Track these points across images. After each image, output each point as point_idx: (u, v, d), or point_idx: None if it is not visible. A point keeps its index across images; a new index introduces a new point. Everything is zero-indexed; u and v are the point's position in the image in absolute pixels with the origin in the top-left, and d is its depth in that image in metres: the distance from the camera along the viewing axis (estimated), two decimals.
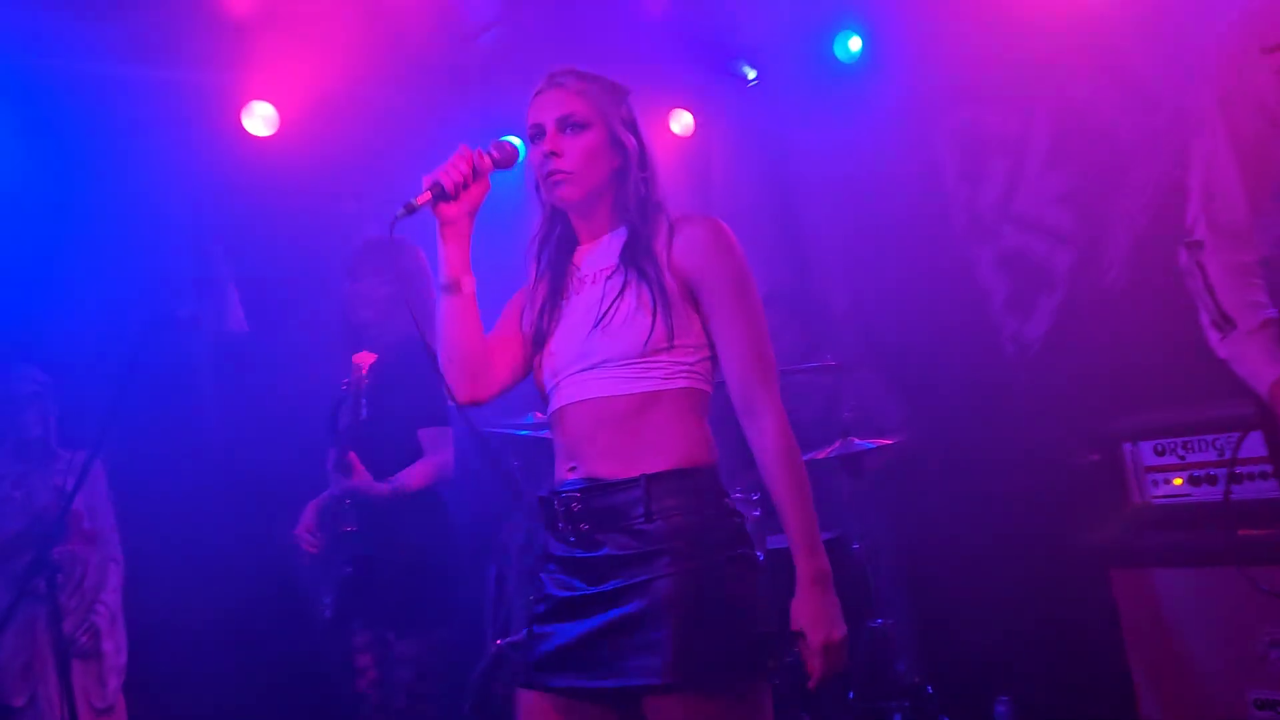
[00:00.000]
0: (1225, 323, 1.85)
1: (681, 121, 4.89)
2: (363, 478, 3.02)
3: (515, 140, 1.91)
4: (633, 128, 1.88)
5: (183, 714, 3.77)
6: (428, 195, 1.77)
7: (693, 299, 1.81)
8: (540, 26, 4.30)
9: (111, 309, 3.59)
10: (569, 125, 1.83)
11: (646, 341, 1.74)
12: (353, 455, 3.01)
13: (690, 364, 1.79)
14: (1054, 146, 3.91)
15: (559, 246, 1.96)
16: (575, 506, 1.76)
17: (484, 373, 1.91)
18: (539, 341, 1.90)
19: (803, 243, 4.75)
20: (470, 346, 1.88)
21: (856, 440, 3.38)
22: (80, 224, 3.65)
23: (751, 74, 4.66)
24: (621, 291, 1.79)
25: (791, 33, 4.42)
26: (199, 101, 3.91)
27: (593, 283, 1.86)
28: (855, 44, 4.32)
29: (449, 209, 1.80)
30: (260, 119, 4.00)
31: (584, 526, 1.75)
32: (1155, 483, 2.84)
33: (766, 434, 1.76)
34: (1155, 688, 2.76)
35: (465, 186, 1.80)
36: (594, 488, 1.75)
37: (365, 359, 2.98)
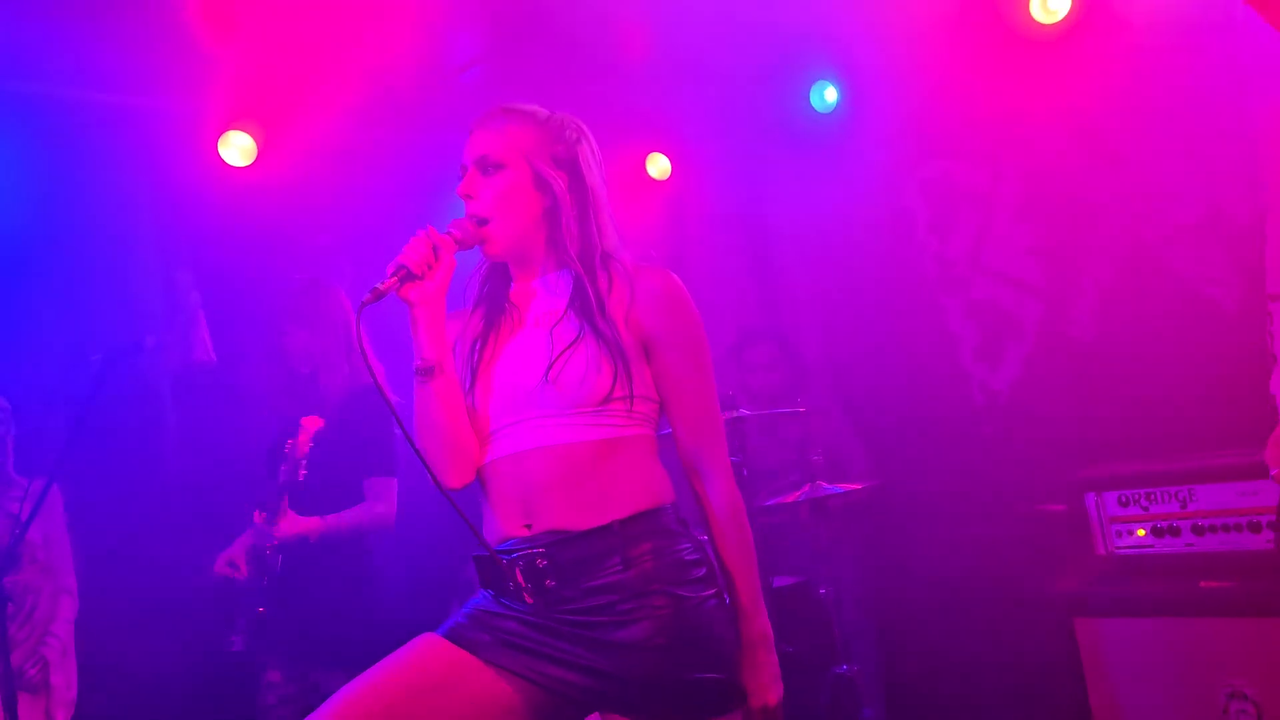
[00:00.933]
0: None
1: (659, 165, 4.94)
2: (291, 520, 2.98)
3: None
4: (570, 165, 1.80)
5: None
6: (393, 280, 1.71)
7: (645, 352, 1.77)
8: (521, 66, 4.35)
9: (75, 334, 3.55)
10: (486, 166, 1.79)
11: (607, 398, 1.70)
12: (284, 503, 2.97)
13: (644, 413, 1.77)
14: (1022, 201, 3.99)
15: (496, 277, 1.90)
16: (540, 563, 1.68)
17: (473, 449, 1.80)
18: (469, 378, 1.83)
19: (776, 287, 4.79)
20: (457, 430, 1.77)
21: (824, 484, 3.38)
22: (45, 247, 3.61)
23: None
24: (573, 344, 1.72)
25: (768, 81, 4.50)
26: (175, 130, 3.90)
27: (534, 325, 1.79)
28: (831, 94, 4.40)
29: (416, 291, 1.73)
30: (237, 149, 3.99)
31: (549, 584, 1.68)
32: (1119, 533, 2.86)
33: (714, 494, 1.76)
34: None
35: (430, 266, 1.74)
36: (561, 541, 1.68)
37: (312, 424, 2.96)
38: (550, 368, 1.71)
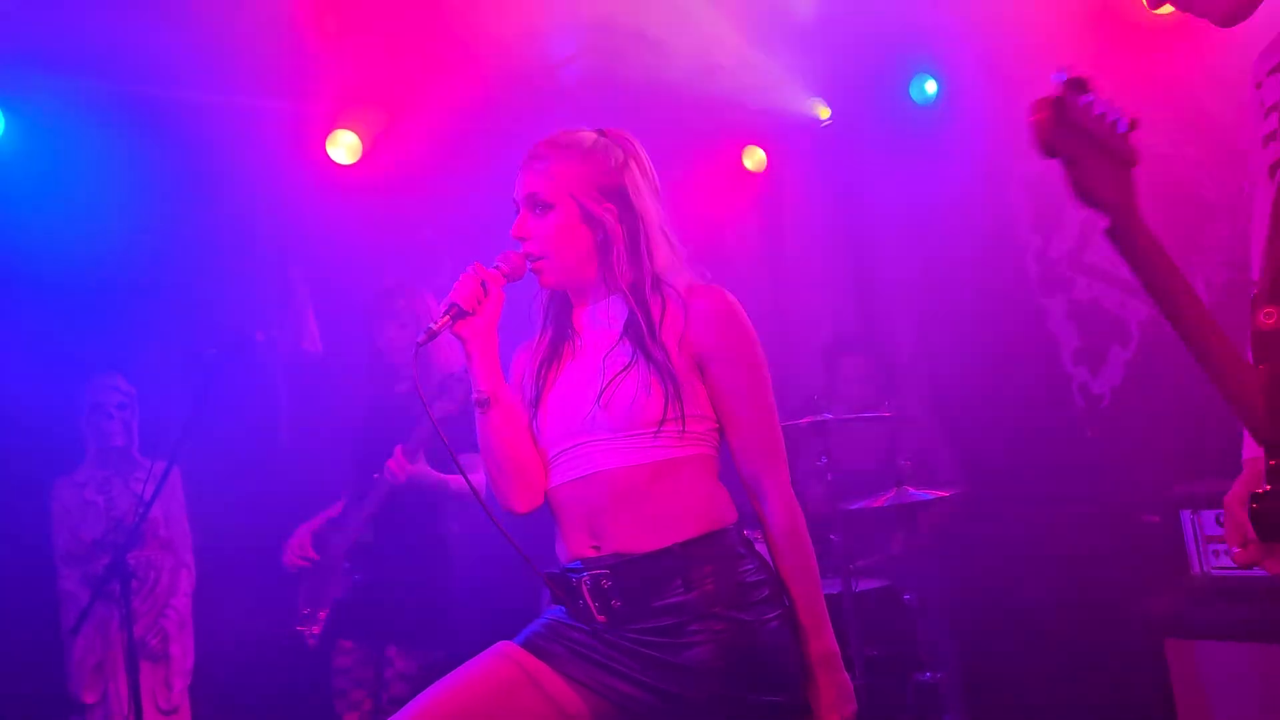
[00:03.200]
0: None
1: (755, 157, 4.92)
2: (424, 467, 3.16)
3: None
4: (618, 194, 1.80)
5: (244, 719, 3.90)
6: (445, 319, 1.76)
7: (700, 373, 1.78)
8: (618, 61, 4.38)
9: (195, 325, 3.76)
10: (535, 205, 1.81)
11: (658, 420, 1.72)
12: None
13: (700, 433, 1.77)
14: None
15: (559, 304, 1.93)
16: (605, 583, 1.72)
17: (538, 475, 1.84)
18: (533, 404, 1.87)
19: (870, 283, 4.73)
20: (520, 456, 1.83)
21: (911, 490, 3.35)
22: (170, 243, 3.83)
23: (825, 114, 4.66)
24: (625, 369, 1.75)
25: (867, 74, 4.42)
26: (285, 129, 4.07)
27: (591, 352, 1.82)
28: (931, 87, 4.30)
29: (467, 327, 1.78)
30: (344, 147, 4.14)
31: (615, 604, 1.72)
32: (1216, 553, 2.76)
33: (772, 514, 1.76)
34: None
35: (480, 302, 1.78)
36: (625, 563, 1.72)
37: (399, 469, 3.13)
38: (602, 394, 1.74)
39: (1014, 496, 3.76)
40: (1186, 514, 2.80)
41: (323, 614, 3.25)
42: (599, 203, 1.80)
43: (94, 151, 3.72)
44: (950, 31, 4.08)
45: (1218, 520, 2.78)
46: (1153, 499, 2.97)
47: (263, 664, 3.88)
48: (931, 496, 3.33)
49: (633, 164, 1.84)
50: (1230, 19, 1.59)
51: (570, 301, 1.91)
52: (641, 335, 1.77)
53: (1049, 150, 1.17)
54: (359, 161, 4.19)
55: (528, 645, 1.78)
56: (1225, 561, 2.74)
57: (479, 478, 3.21)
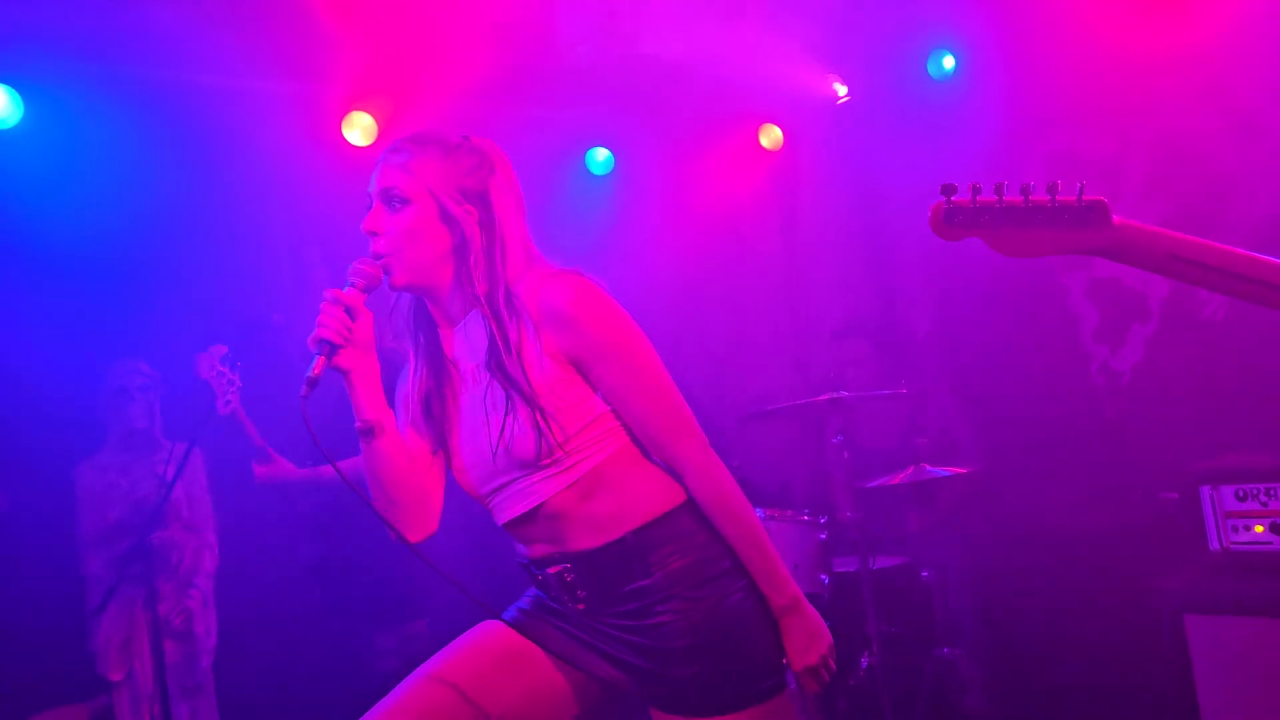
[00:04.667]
0: None
1: (771, 135, 4.90)
2: (280, 465, 3.27)
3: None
4: (479, 198, 1.72)
5: (267, 695, 3.94)
6: (321, 360, 1.66)
7: (578, 370, 1.70)
8: (632, 40, 4.37)
9: (214, 309, 3.78)
10: (391, 200, 1.71)
11: (558, 447, 1.66)
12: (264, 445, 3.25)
13: (606, 429, 1.72)
14: (1151, 175, 3.80)
15: (421, 326, 1.82)
16: (569, 577, 1.73)
17: (429, 502, 1.80)
18: (440, 445, 1.80)
19: (888, 261, 4.70)
20: (409, 484, 1.77)
21: (929, 467, 3.35)
22: (189, 226, 3.85)
23: (842, 90, 4.63)
24: (505, 414, 1.67)
25: (884, 50, 4.39)
26: (300, 112, 4.08)
27: (474, 383, 1.75)
28: (949, 63, 4.27)
29: (345, 358, 1.69)
30: (359, 129, 4.15)
31: (582, 594, 1.73)
32: (1235, 528, 2.75)
33: (696, 489, 1.71)
34: None
35: (350, 329, 1.68)
36: (582, 556, 1.71)
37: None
38: (497, 444, 1.68)
39: (1033, 473, 3.75)
40: (1206, 490, 2.79)
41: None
42: (459, 204, 1.71)
43: (112, 136, 3.74)
44: (968, 6, 4.04)
45: (1237, 495, 2.76)
46: (1172, 475, 2.95)
47: (285, 641, 3.93)
48: (950, 473, 3.33)
49: (499, 172, 1.76)
50: None
51: (433, 319, 1.82)
52: (504, 365, 1.68)
53: (944, 238, 1.40)
54: (375, 143, 4.20)
55: (514, 623, 1.80)
56: (1244, 537, 2.73)
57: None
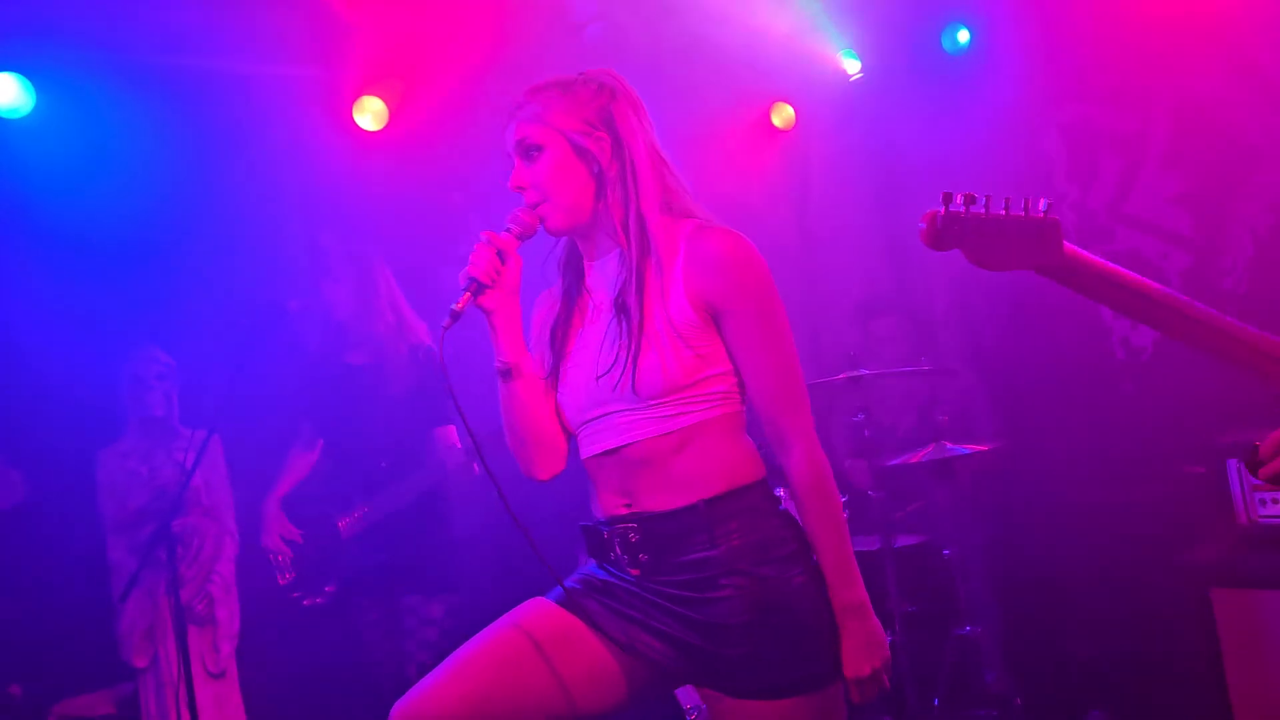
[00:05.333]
0: None
1: (783, 114, 4.85)
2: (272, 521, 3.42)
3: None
4: (607, 125, 1.74)
5: (289, 680, 3.96)
6: (467, 296, 1.73)
7: (714, 322, 1.71)
8: (644, 19, 4.33)
9: (230, 296, 3.78)
10: (527, 151, 1.76)
11: (669, 389, 1.68)
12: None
13: (723, 391, 1.73)
14: (1172, 145, 3.76)
15: (571, 264, 1.88)
16: (633, 537, 1.73)
17: (558, 443, 1.85)
18: (552, 373, 1.85)
19: (905, 239, 4.66)
20: (541, 425, 1.83)
21: (949, 445, 3.33)
22: (203, 215, 3.85)
23: (855, 68, 4.58)
24: (628, 343, 1.70)
25: (898, 24, 4.34)
26: (312, 97, 4.07)
27: (598, 316, 1.80)
28: (964, 36, 4.22)
29: (489, 299, 1.75)
30: (370, 114, 4.14)
31: (643, 557, 1.73)
32: (1263, 502, 2.72)
33: (795, 465, 1.70)
34: (1255, 712, 2.65)
35: (499, 272, 1.75)
36: (651, 518, 1.72)
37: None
38: (610, 370, 1.71)
39: (1054, 449, 3.72)
40: (1233, 463, 2.77)
41: (329, 588, 3.33)
42: (588, 134, 1.74)
43: (125, 124, 3.74)
44: None
45: None
46: (1198, 449, 2.93)
47: (307, 626, 3.94)
48: (970, 451, 3.31)
49: (620, 97, 1.78)
50: None
51: (580, 254, 1.87)
52: (629, 300, 1.71)
53: (935, 248, 1.40)
54: (386, 127, 4.19)
55: (561, 600, 1.80)
56: (1273, 510, 2.71)
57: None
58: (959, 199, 1.37)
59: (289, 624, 3.92)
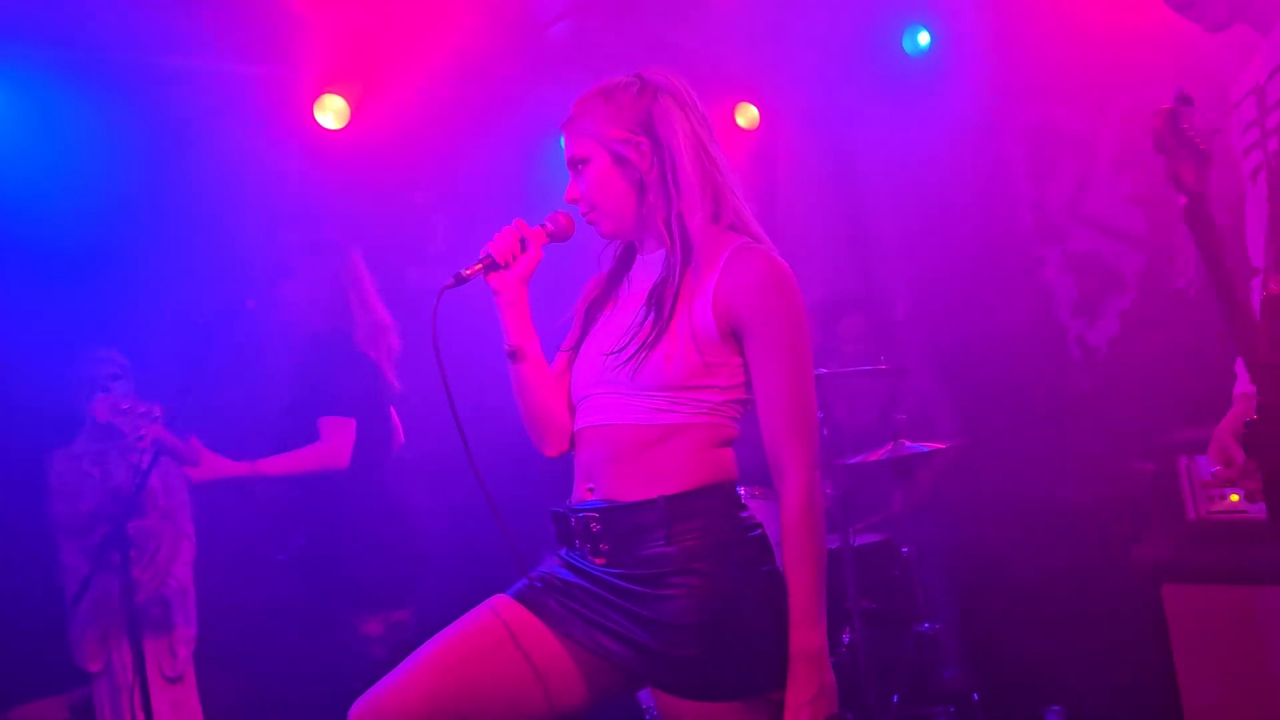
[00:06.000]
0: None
1: (747, 115, 4.87)
2: (212, 462, 3.15)
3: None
4: (646, 129, 1.76)
5: (248, 685, 3.92)
6: (478, 267, 1.82)
7: (735, 339, 1.71)
8: (609, 19, 4.33)
9: (186, 296, 3.73)
10: (576, 165, 1.83)
11: (673, 386, 1.70)
12: (191, 441, 3.13)
13: (717, 403, 1.73)
14: (1126, 147, 3.81)
15: (625, 251, 1.94)
16: (594, 526, 1.74)
17: (566, 422, 1.89)
18: (575, 345, 1.90)
19: (867, 239, 4.70)
20: (548, 404, 1.88)
21: (908, 443, 3.35)
22: (159, 214, 3.80)
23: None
24: (649, 332, 1.72)
25: (859, 26, 4.37)
26: (272, 95, 4.03)
27: (630, 302, 1.83)
28: (924, 38, 4.26)
29: (499, 279, 1.84)
30: (332, 112, 4.09)
31: (604, 546, 1.73)
32: (1211, 498, 2.77)
33: (787, 496, 1.68)
34: (1203, 705, 2.69)
35: (515, 257, 1.84)
36: (613, 509, 1.73)
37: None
38: (621, 349, 1.74)
39: (1011, 448, 3.76)
40: (1183, 460, 2.81)
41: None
42: (627, 141, 1.77)
43: (79, 121, 3.68)
44: None
45: None
46: (1149, 446, 2.97)
47: (266, 630, 3.90)
48: (929, 449, 3.33)
49: (664, 97, 1.77)
50: (1218, 27, 2.00)
51: (636, 248, 1.91)
52: (671, 294, 1.73)
53: (1159, 147, 1.61)
54: (347, 126, 4.15)
55: (521, 598, 1.80)
56: (1221, 506, 2.76)
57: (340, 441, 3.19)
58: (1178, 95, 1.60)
59: (247, 629, 3.88)
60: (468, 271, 1.80)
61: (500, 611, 1.78)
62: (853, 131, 4.62)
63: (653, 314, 1.74)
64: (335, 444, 3.22)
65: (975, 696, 3.30)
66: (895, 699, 3.34)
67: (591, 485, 1.78)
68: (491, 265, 1.82)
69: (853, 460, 3.40)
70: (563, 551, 1.84)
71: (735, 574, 1.69)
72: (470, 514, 1.85)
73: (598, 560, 1.75)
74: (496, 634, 1.74)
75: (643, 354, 1.71)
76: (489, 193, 4.46)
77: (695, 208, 1.74)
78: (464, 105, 4.45)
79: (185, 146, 3.79)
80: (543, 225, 1.87)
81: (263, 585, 3.87)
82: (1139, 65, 3.67)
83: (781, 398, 1.68)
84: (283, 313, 3.39)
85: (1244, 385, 1.93)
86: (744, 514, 1.76)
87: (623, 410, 1.74)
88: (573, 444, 1.87)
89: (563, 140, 1.85)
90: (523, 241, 1.84)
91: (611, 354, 1.75)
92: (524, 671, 1.72)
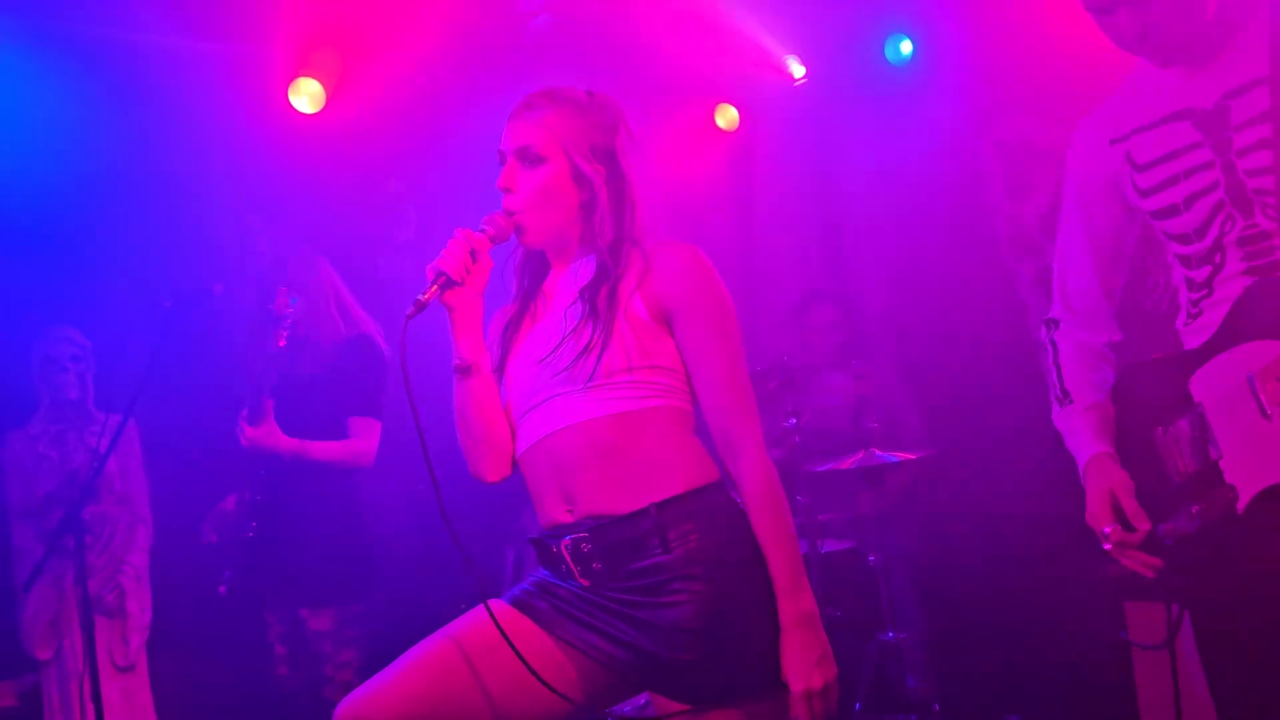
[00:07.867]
0: (1064, 397, 1.95)
1: (727, 116, 4.86)
2: (273, 429, 3.04)
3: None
4: (608, 155, 1.78)
5: (201, 674, 3.85)
6: (435, 288, 1.73)
7: (666, 324, 1.74)
8: (590, 12, 4.30)
9: (150, 277, 3.66)
10: (527, 158, 1.77)
11: (609, 372, 1.69)
12: (269, 402, 3.03)
13: (664, 385, 1.73)
14: None
15: (535, 268, 1.91)
16: (585, 547, 1.70)
17: (509, 444, 1.84)
18: (499, 369, 1.85)
19: (841, 244, 4.71)
20: (493, 425, 1.82)
21: (879, 452, 3.35)
22: (125, 192, 3.72)
23: (800, 71, 4.60)
24: (577, 324, 1.72)
25: (842, 33, 4.37)
26: (246, 76, 3.96)
27: (556, 310, 1.80)
28: (906, 47, 4.26)
29: (456, 296, 1.76)
30: (307, 96, 4.02)
31: (596, 566, 1.70)
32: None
33: (746, 470, 1.70)
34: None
35: (469, 270, 1.75)
36: (601, 526, 1.69)
37: (241, 434, 3.05)
38: (556, 349, 1.72)
39: (978, 460, 3.78)
40: None
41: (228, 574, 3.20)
42: (590, 162, 1.77)
43: (48, 97, 3.60)
44: None
45: None
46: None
47: (221, 619, 3.84)
48: (899, 459, 3.34)
49: (622, 127, 1.82)
50: (1128, 48, 1.84)
51: (547, 263, 1.89)
52: (598, 291, 1.74)
53: None
54: (322, 110, 4.08)
55: (515, 602, 1.77)
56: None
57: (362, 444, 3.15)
58: None
59: (202, 618, 3.81)
60: (425, 296, 1.72)
61: (492, 616, 1.74)
62: (833, 137, 4.61)
63: (585, 305, 1.73)
64: (366, 444, 3.21)
65: (936, 706, 3.31)
66: (857, 707, 3.35)
67: (569, 505, 1.73)
68: (448, 284, 1.73)
69: (822, 468, 3.40)
70: (548, 575, 1.80)
71: (734, 575, 1.67)
72: (428, 513, 1.81)
73: (584, 582, 1.72)
74: (488, 639, 1.70)
75: (572, 345, 1.70)
76: (463, 183, 4.42)
77: (644, 231, 1.80)
78: (441, 94, 4.40)
79: (154, 125, 3.72)
80: (483, 230, 1.77)
81: (219, 574, 3.81)
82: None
83: (721, 375, 1.72)
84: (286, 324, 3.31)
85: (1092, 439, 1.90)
86: (734, 510, 1.73)
87: (575, 409, 1.71)
88: (515, 468, 1.84)
89: (515, 126, 1.78)
90: (473, 253, 1.76)
91: (546, 359, 1.73)
92: (516, 676, 1.68)
